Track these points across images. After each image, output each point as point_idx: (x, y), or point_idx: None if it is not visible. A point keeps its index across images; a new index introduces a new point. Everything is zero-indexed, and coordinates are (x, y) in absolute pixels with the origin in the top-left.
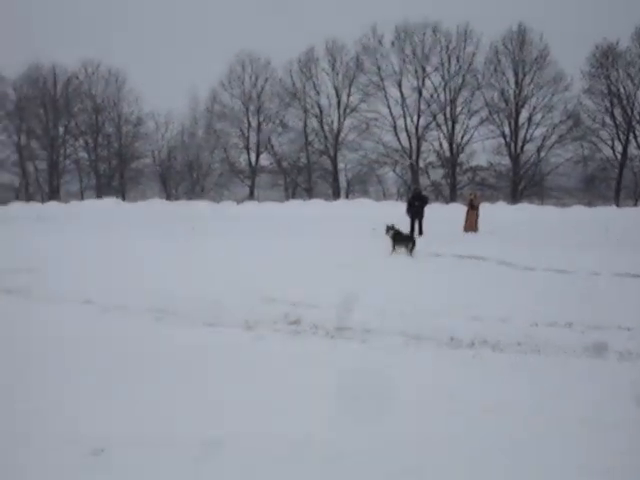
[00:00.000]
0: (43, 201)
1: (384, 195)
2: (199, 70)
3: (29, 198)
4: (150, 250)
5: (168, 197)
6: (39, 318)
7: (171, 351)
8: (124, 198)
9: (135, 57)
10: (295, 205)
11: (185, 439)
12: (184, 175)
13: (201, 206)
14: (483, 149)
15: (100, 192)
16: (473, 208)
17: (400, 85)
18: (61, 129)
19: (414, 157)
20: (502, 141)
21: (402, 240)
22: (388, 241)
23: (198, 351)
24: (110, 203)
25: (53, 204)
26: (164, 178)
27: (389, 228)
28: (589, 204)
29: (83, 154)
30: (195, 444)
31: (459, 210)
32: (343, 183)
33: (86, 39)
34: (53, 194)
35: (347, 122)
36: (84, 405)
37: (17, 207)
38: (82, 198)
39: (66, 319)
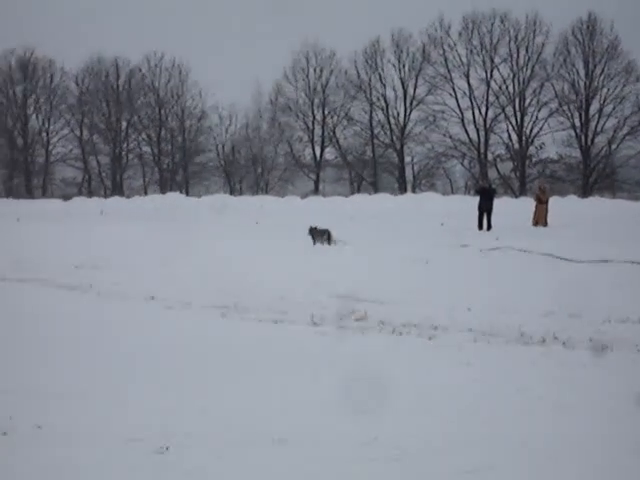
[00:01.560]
0: (106, 196)
1: (452, 189)
2: (263, 62)
3: (92, 193)
4: (215, 246)
5: (232, 192)
6: (98, 314)
7: (237, 346)
8: (188, 193)
9: (199, 49)
10: (360, 200)
11: (252, 437)
12: (248, 169)
13: (265, 201)
14: (553, 141)
15: (163, 187)
16: (541, 202)
17: (468, 76)
18: (124, 123)
19: (482, 150)
20: (572, 133)
21: (319, 234)
22: (309, 239)
23: (264, 346)
24: (173, 198)
25: (116, 199)
26: (228, 173)
27: (312, 229)
28: None
29: (146, 148)
30: (264, 442)
31: (529, 204)
32: (409, 177)
33: (150, 31)
34: (116, 189)
35: (413, 114)
36: (149, 402)
37: (80, 202)
38: (145, 193)
39: (130, 315)
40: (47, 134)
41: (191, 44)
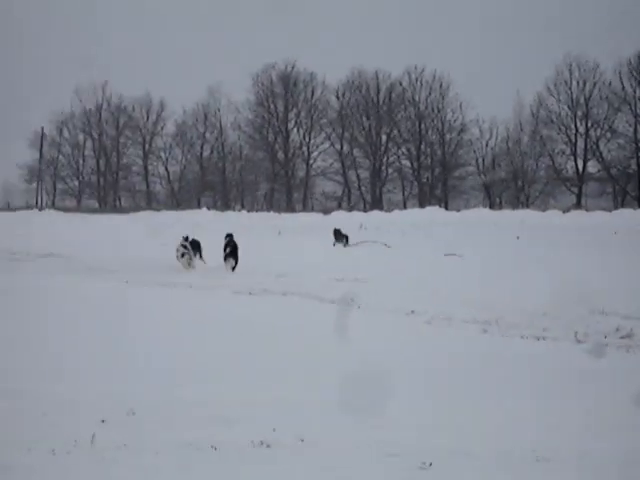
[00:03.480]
0: (365, 210)
1: None
2: (525, 74)
3: (351, 207)
4: (469, 261)
5: (491, 206)
6: (361, 328)
7: (496, 363)
8: (447, 207)
9: (460, 62)
10: (624, 214)
11: (515, 454)
12: (508, 183)
13: (526, 215)
14: None
15: (422, 201)
16: None
17: None
18: (384, 137)
19: None
20: None
21: (339, 236)
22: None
23: (525, 364)
24: (432, 212)
25: (375, 213)
26: (487, 186)
27: (335, 231)
28: None
29: (406, 162)
30: (527, 460)
31: None
32: None
33: (410, 43)
34: (375, 203)
35: None
36: (406, 417)
37: (340, 216)
38: (404, 207)
39: (391, 329)
40: (308, 148)
41: (452, 57)
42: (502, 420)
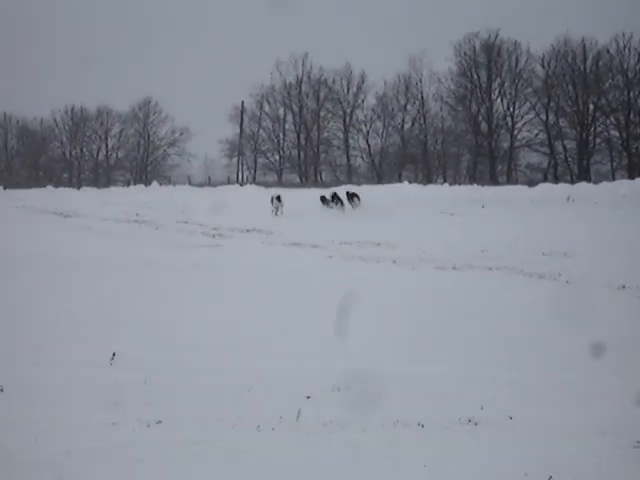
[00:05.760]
0: (572, 182)
1: None
2: None
3: (557, 179)
4: None
5: None
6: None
7: None
8: None
9: None
10: None
11: None
12: None
13: None
14: None
15: (632, 172)
16: None
17: None
18: (591, 106)
19: None
20: None
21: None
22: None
23: None
24: None
25: (582, 185)
26: None
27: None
28: None
29: (614, 132)
30: None
31: None
32: None
33: (617, 8)
34: (582, 174)
35: None
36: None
37: (546, 188)
38: (612, 179)
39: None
40: (512, 119)
41: None
42: None
